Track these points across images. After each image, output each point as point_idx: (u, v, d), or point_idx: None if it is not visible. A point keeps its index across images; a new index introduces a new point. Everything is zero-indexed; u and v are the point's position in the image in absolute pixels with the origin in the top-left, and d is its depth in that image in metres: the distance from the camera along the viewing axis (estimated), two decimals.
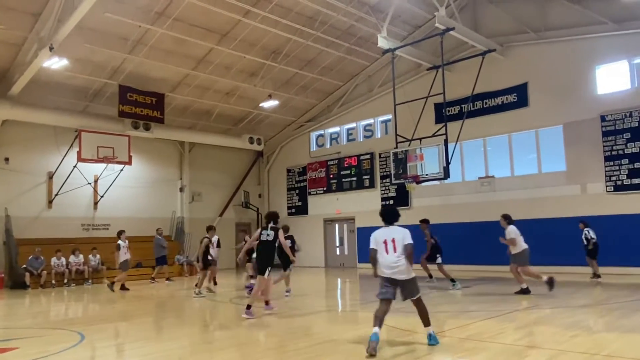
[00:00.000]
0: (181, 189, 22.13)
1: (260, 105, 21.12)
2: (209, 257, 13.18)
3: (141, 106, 18.34)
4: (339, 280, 17.08)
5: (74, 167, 17.84)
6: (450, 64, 17.27)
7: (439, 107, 17.30)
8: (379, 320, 6.01)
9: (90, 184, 18.77)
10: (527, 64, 16.86)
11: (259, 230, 9.63)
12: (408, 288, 6.26)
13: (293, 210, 23.89)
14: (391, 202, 20.14)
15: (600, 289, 11.95)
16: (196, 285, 12.74)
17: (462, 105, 17.21)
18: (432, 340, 6.19)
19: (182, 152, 22.32)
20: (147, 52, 16.57)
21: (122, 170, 18.83)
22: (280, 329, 8.17)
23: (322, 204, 22.67)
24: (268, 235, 9.29)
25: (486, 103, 17.62)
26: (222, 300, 11.90)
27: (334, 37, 18.21)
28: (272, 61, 18.68)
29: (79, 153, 17.23)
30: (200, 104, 20.56)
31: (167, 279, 17.34)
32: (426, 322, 6.30)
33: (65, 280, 16.44)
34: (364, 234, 20.73)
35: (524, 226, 15.16)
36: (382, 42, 16.04)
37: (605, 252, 14.69)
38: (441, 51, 15.28)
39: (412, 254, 6.25)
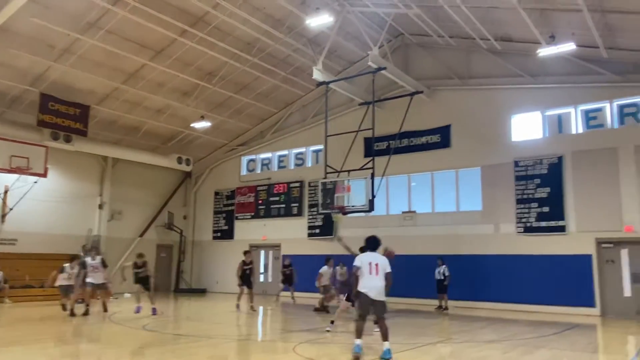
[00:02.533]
0: (100, 206, 21.08)
1: (192, 125, 20.78)
2: (88, 280, 13.19)
3: (63, 117, 17.46)
4: (260, 307, 16.85)
5: None
6: (381, 102, 17.96)
7: (368, 142, 17.85)
8: (360, 333, 7.15)
9: None
10: (451, 107, 17.88)
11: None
12: (380, 308, 7.28)
13: (219, 234, 23.45)
14: (317, 231, 20.33)
15: (506, 325, 12.61)
16: None
17: (390, 142, 17.88)
18: (388, 354, 7.02)
19: (104, 167, 21.35)
20: (75, 62, 15.93)
21: (35, 182, 17.72)
22: (199, 357, 7.92)
23: (248, 230, 22.44)
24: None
25: (412, 141, 18.41)
26: (135, 327, 11.33)
27: (270, 65, 18.42)
28: (207, 82, 18.55)
29: None
30: (128, 119, 19.89)
31: (81, 301, 16.30)
32: (385, 338, 7.19)
33: None
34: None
35: (445, 261, 15.89)
36: (317, 75, 16.44)
37: (513, 290, 15.72)
38: (373, 88, 15.89)
39: (391, 281, 7.43)
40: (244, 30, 16.11)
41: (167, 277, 23.61)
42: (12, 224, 18.03)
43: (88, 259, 13.49)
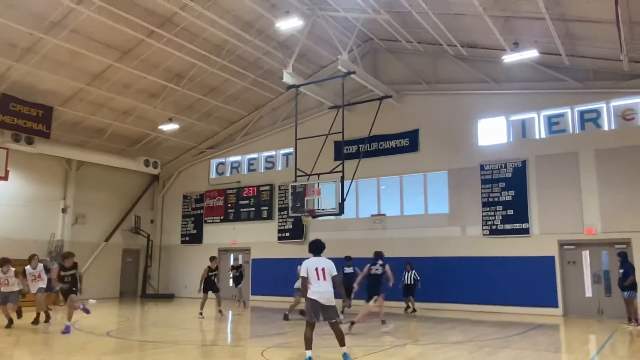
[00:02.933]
0: (64, 210, 20.50)
1: (160, 127, 20.46)
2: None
3: (25, 118, 16.97)
4: (230, 312, 16.69)
5: None
6: (351, 105, 18.10)
7: (338, 145, 17.94)
8: (309, 343, 6.99)
9: None
10: (419, 112, 18.13)
11: (369, 265, 11.82)
12: (330, 312, 7.12)
13: (187, 239, 23.13)
14: (287, 234, 20.28)
15: (473, 326, 12.83)
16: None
17: (360, 145, 18.00)
18: (347, 359, 6.92)
19: (68, 170, 20.79)
20: (38, 62, 15.50)
21: None
22: None
23: (218, 233, 22.21)
24: (377, 269, 11.39)
25: (381, 145, 18.58)
26: (99, 333, 11.05)
27: (240, 68, 18.32)
28: (175, 84, 18.31)
29: None
30: (93, 121, 19.44)
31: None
32: (342, 343, 7.08)
33: None
34: (259, 265, 20.60)
35: (413, 263, 16.07)
36: (287, 78, 16.44)
37: (479, 292, 16.03)
38: (342, 92, 15.98)
39: (341, 284, 7.51)
40: (213, 32, 15.98)
41: (133, 282, 23.14)
42: None
43: (28, 268, 12.61)
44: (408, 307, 15.72)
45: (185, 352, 8.77)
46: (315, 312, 7.07)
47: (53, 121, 17.85)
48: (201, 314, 13.97)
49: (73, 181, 20.83)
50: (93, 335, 10.82)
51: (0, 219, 18.21)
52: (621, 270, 12.32)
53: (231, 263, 16.63)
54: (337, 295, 7.28)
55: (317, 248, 7.53)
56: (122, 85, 17.81)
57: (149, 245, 23.35)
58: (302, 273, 7.25)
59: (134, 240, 23.08)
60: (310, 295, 7.10)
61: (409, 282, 15.72)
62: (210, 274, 14.50)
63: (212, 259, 15.00)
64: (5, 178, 16.99)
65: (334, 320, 7.09)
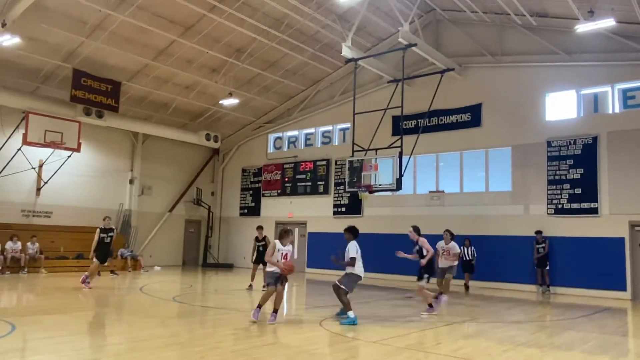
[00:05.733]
0: (131, 181, 21.55)
1: (220, 102, 20.89)
2: None
3: (95, 92, 17.75)
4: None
5: (18, 149, 17.10)
6: (410, 79, 17.67)
7: (396, 120, 17.64)
8: (350, 304, 8.58)
9: (34, 168, 18.01)
10: (482, 85, 17.47)
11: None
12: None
13: (245, 211, 23.72)
14: (343, 209, 20.35)
15: (534, 306, 12.46)
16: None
17: (419, 120, 17.62)
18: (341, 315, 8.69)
19: (134, 143, 21.75)
20: (106, 38, 16.11)
21: (69, 156, 18.19)
22: (226, 329, 8.10)
23: (275, 207, 22.62)
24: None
25: (441, 120, 18.12)
26: (165, 298, 11.66)
27: (299, 42, 18.28)
28: (235, 59, 18.55)
29: (24, 135, 16.54)
30: (158, 96, 20.12)
31: (112, 272, 16.85)
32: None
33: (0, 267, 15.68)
34: (315, 238, 20.86)
35: (472, 242, 15.75)
36: (346, 51, 16.23)
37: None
38: (402, 66, 15.59)
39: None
40: (273, 6, 15.98)
41: (195, 251, 24.09)
42: (47, 197, 18.63)
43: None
44: (466, 284, 15.42)
45: (244, 319, 9.06)
46: (356, 284, 8.84)
47: (121, 96, 18.60)
48: (251, 286, 13.53)
49: (139, 154, 21.80)
50: (160, 299, 11.39)
51: (74, 189, 19.40)
52: None
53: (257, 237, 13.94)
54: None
55: (357, 233, 9.06)
56: (185, 60, 18.25)
57: (209, 217, 24.15)
58: (355, 254, 8.72)
59: (196, 211, 23.95)
60: (358, 272, 8.72)
61: (468, 258, 15.37)
62: (258, 244, 13.70)
63: (258, 228, 14.07)
64: (78, 150, 17.97)
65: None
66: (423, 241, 10.46)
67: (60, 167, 18.27)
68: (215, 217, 24.57)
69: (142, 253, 20.67)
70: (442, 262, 12.20)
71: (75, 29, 15.55)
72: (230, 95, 20.34)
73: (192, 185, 23.83)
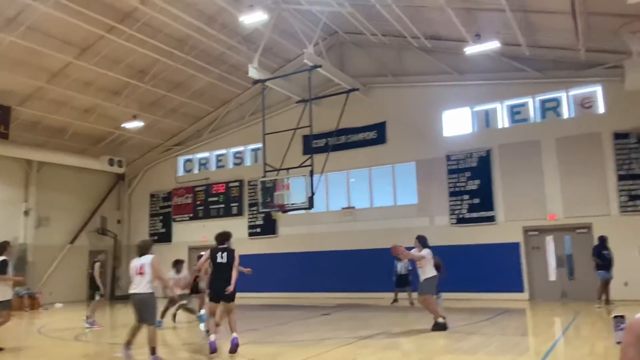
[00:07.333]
0: (26, 213, 19.88)
1: (123, 125, 20.00)
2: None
3: None
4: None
5: None
6: (318, 99, 18.10)
7: (306, 139, 17.93)
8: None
9: None
10: (385, 104, 18.28)
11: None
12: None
13: (156, 238, 22.72)
14: (258, 230, 20.21)
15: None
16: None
17: (328, 139, 18.03)
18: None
19: (28, 171, 20.13)
20: None
21: None
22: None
23: (187, 231, 21.94)
24: None
25: (350, 138, 18.67)
26: (66, 338, 10.80)
27: (204, 63, 18.06)
28: (138, 81, 17.93)
29: None
30: (54, 120, 18.87)
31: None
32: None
33: None
34: None
35: (382, 255, 16.26)
36: (253, 73, 16.31)
37: (448, 280, 16.21)
38: (309, 86, 15.95)
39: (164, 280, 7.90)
40: (176, 27, 15.70)
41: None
42: None
43: None
44: (396, 300, 15.38)
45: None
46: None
47: (11, 121, 17.23)
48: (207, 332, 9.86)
49: (34, 183, 20.20)
50: (61, 340, 10.55)
51: None
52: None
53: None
54: None
55: (141, 248, 7.72)
56: (82, 82, 17.34)
57: (116, 246, 22.89)
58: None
59: (101, 241, 22.56)
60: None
61: (404, 272, 15.17)
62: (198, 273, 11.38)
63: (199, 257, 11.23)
64: None
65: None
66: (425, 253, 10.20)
67: None
68: (123, 245, 23.31)
69: (41, 290, 19.09)
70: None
71: None
72: (135, 117, 19.57)
73: (96, 214, 22.47)
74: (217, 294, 7.98)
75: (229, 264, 8.06)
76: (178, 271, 12.30)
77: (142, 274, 7.22)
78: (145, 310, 7.28)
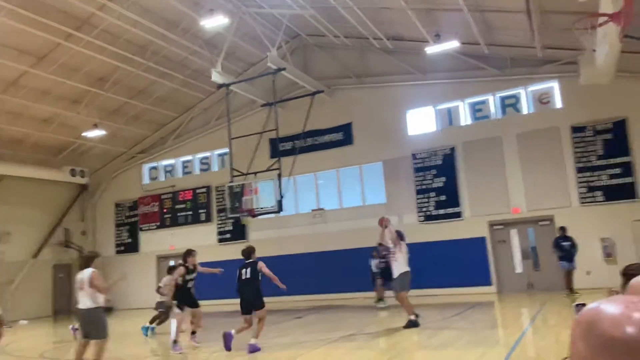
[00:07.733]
0: None
1: (84, 134, 19.49)
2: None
3: None
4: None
5: None
6: (283, 102, 18.04)
7: (273, 143, 17.86)
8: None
9: None
10: (350, 105, 18.39)
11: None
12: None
13: (122, 248, 22.26)
14: (228, 236, 20.02)
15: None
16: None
17: (295, 141, 18.03)
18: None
19: None
20: None
21: None
22: None
23: (155, 240, 21.53)
24: None
25: (316, 140, 18.71)
26: (32, 357, 10.46)
27: (166, 68, 17.78)
28: (98, 89, 17.51)
29: None
30: (10, 132, 18.23)
31: None
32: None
33: None
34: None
35: (353, 255, 16.37)
36: (216, 77, 16.17)
37: (418, 276, 16.40)
38: (273, 89, 15.92)
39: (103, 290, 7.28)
40: (135, 33, 15.41)
41: (67, 299, 21.99)
42: None
43: None
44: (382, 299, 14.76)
45: None
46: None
47: None
48: (176, 342, 9.26)
49: None
50: (25, 359, 10.21)
51: None
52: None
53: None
54: None
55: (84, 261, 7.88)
56: (40, 92, 16.83)
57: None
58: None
59: (65, 254, 21.93)
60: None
61: (377, 270, 14.74)
62: (187, 277, 9.57)
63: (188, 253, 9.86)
64: None
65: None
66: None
67: None
68: None
69: (5, 307, 18.38)
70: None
71: None
72: (96, 126, 19.09)
73: (59, 226, 21.82)
74: (246, 308, 8.60)
75: (253, 279, 8.63)
76: None
77: (82, 289, 7.13)
78: (89, 325, 7.18)
